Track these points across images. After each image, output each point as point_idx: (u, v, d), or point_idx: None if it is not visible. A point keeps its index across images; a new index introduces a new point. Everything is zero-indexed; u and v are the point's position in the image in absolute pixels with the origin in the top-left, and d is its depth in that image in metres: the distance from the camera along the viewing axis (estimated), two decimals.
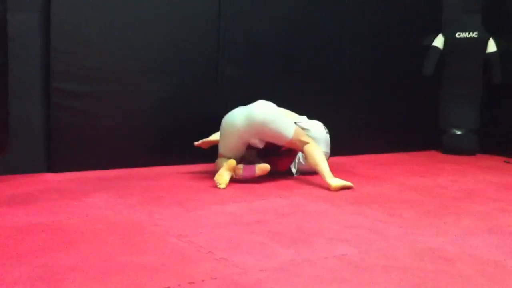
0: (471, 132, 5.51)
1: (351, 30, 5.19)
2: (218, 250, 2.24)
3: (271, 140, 3.83)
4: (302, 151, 3.85)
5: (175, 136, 4.30)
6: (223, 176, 3.61)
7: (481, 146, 5.51)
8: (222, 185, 3.57)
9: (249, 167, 3.76)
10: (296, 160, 4.07)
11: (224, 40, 4.47)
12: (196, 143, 4.07)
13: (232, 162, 3.66)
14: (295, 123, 3.98)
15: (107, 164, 4.04)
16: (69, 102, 3.88)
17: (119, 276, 1.92)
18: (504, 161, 5.01)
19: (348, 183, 3.62)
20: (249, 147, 3.94)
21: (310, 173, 3.97)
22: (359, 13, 5.21)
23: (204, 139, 4.07)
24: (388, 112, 5.50)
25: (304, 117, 4.22)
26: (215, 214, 2.86)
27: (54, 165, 3.88)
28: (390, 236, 2.54)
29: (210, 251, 2.22)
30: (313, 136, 4.03)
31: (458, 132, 5.52)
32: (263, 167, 3.77)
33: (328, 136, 4.18)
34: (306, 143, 3.81)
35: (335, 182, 3.57)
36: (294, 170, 4.06)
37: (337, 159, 4.56)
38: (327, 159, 4.11)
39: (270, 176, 3.88)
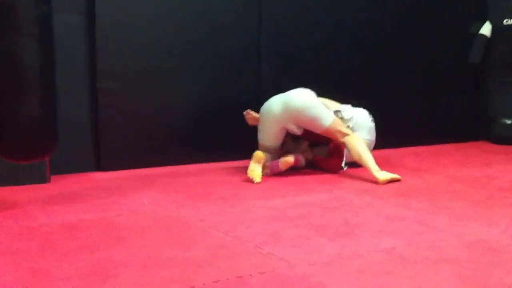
0: None
1: (393, 17, 5.11)
2: (264, 244, 2.25)
3: (308, 127, 3.81)
4: (341, 143, 3.79)
5: (216, 133, 4.33)
6: (254, 170, 3.62)
7: None
8: (257, 179, 3.58)
9: (273, 164, 3.79)
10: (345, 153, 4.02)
11: (261, 36, 4.48)
12: (246, 111, 4.04)
13: (259, 153, 3.68)
14: (337, 111, 3.97)
15: (153, 162, 4.11)
16: (115, 101, 3.96)
17: (167, 270, 1.95)
18: None
19: (395, 176, 3.55)
20: (297, 139, 3.96)
21: (355, 165, 3.93)
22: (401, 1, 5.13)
23: (253, 112, 4.02)
24: (435, 102, 5.40)
25: (348, 106, 4.18)
26: (260, 209, 2.87)
27: (102, 164, 3.97)
28: (438, 228, 2.50)
29: (256, 246, 2.23)
30: (357, 123, 4.01)
31: (508, 122, 5.37)
32: (285, 160, 3.79)
33: (373, 124, 4.13)
34: (346, 134, 3.76)
35: (382, 175, 3.52)
36: (342, 164, 4.02)
37: (383, 151, 4.51)
38: (372, 148, 4.08)
39: (313, 170, 3.87)
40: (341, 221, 2.62)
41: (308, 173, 3.81)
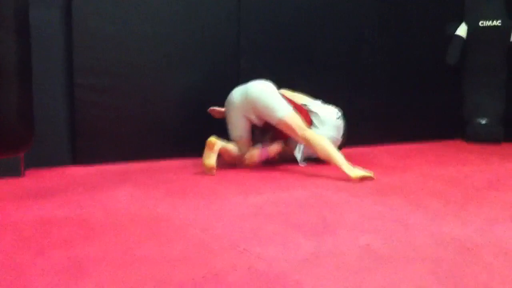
0: (495, 121, 5.45)
1: (371, 18, 5.14)
2: (241, 242, 2.24)
3: (264, 116, 3.84)
4: (298, 137, 3.77)
5: (195, 128, 4.32)
6: (208, 160, 3.63)
7: (506, 135, 5.44)
8: (211, 171, 3.62)
9: (263, 151, 3.85)
10: (301, 148, 4.03)
11: (243, 30, 4.48)
12: (210, 108, 4.14)
13: (211, 140, 3.69)
14: (303, 105, 3.99)
15: (130, 157, 4.09)
16: (92, 96, 3.93)
17: (143, 267, 1.93)
18: None
19: (368, 173, 3.54)
20: (260, 131, 4.00)
21: (316, 160, 3.95)
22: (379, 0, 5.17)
23: (217, 107, 4.13)
24: (411, 101, 5.46)
25: (318, 101, 4.20)
26: (237, 205, 2.87)
27: (78, 158, 3.93)
28: (413, 226, 2.52)
29: (233, 243, 2.23)
30: (321, 119, 4.02)
31: (483, 122, 5.45)
32: (275, 147, 3.88)
33: (339, 122, 4.13)
34: (303, 129, 3.73)
35: (354, 172, 3.51)
36: (298, 156, 4.02)
37: (359, 149, 4.54)
38: (338, 146, 4.08)
39: (292, 167, 3.88)
40: (318, 218, 2.62)
41: (286, 170, 3.82)
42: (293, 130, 3.76)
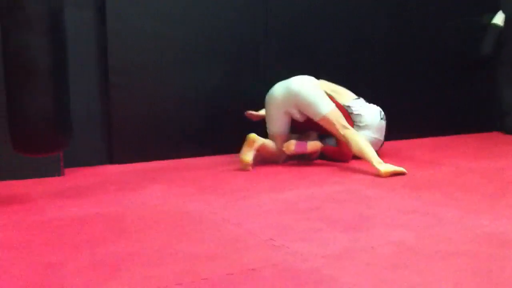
0: None
1: (406, 7, 5.09)
2: (276, 237, 2.26)
3: (306, 112, 3.83)
4: (339, 135, 3.76)
5: (224, 126, 4.36)
6: (245, 156, 3.68)
7: None
8: (247, 167, 3.67)
9: (300, 143, 3.81)
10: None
11: (267, 30, 4.48)
12: (247, 112, 4.17)
13: (250, 136, 3.73)
14: (347, 106, 3.98)
15: (163, 155, 4.15)
16: (126, 95, 4.00)
17: (178, 263, 1.96)
18: None
19: (399, 169, 3.51)
20: (307, 131, 4.02)
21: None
22: None
23: (254, 111, 4.17)
24: (447, 93, 5.40)
25: (360, 100, 4.18)
26: (271, 201, 2.88)
27: (114, 157, 4.00)
28: (448, 221, 2.50)
29: (269, 238, 2.24)
30: (365, 121, 4.01)
31: None
32: (314, 144, 3.84)
33: (383, 122, 4.11)
34: (345, 127, 3.73)
35: (384, 167, 3.49)
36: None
37: (393, 143, 4.51)
38: (380, 147, 4.07)
39: (325, 163, 3.88)
40: (352, 213, 2.62)
41: (320, 165, 3.82)
42: (335, 127, 3.76)
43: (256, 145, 3.75)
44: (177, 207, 2.79)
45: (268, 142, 3.91)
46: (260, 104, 4.16)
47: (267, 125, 4.01)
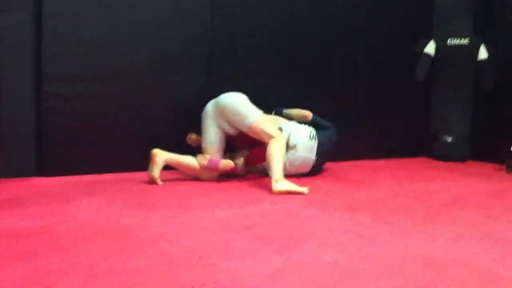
0: (462, 139, 5.54)
1: (342, 34, 5.20)
2: (209, 255, 2.23)
3: (235, 124, 3.90)
4: (266, 143, 3.82)
5: (164, 140, 4.28)
6: (150, 171, 3.74)
7: (472, 153, 5.54)
8: (155, 181, 3.71)
9: (214, 160, 3.86)
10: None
11: (219, 39, 4.48)
12: (187, 137, 4.23)
13: (154, 151, 3.78)
14: (279, 128, 4.03)
15: (97, 169, 4.04)
16: (59, 105, 3.88)
17: (109, 280, 1.91)
18: (495, 169, 5.00)
19: (296, 189, 3.54)
20: (238, 152, 4.05)
21: (295, 175, 3.99)
22: (351, 17, 5.23)
23: (194, 135, 4.21)
24: (379, 117, 5.52)
25: (293, 122, 4.26)
26: (206, 219, 2.85)
27: (44, 169, 3.87)
28: (380, 242, 2.54)
29: (201, 257, 2.21)
30: (293, 141, 4.08)
31: (449, 139, 5.54)
32: (226, 162, 3.89)
33: (312, 142, 4.18)
34: (272, 136, 3.79)
35: (277, 186, 3.53)
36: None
37: (328, 164, 4.56)
38: (315, 165, 4.13)
39: (262, 181, 3.88)
40: (286, 233, 2.63)
41: (256, 185, 3.82)
42: (260, 136, 3.83)
43: (159, 159, 3.76)
44: (111, 222, 2.72)
45: (181, 158, 3.90)
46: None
47: (202, 140, 4.06)
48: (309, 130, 4.24)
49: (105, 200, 3.19)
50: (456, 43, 5.49)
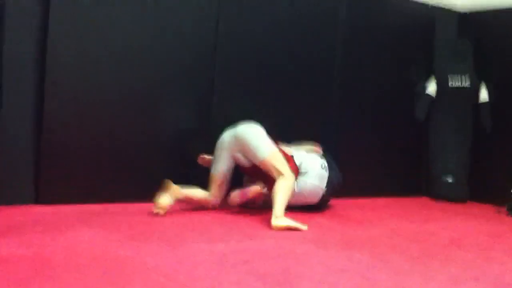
0: (461, 180, 5.52)
1: (342, 68, 5.22)
2: None
3: (249, 156, 3.97)
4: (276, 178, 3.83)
5: (163, 171, 4.26)
6: (160, 199, 3.72)
7: (471, 194, 5.52)
8: (160, 211, 3.69)
9: (242, 191, 3.92)
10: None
11: (215, 67, 4.50)
12: (199, 156, 4.24)
13: (168, 182, 3.78)
14: (291, 156, 4.05)
15: (95, 198, 4.00)
16: (58, 133, 3.86)
17: None
18: (496, 212, 4.95)
19: (294, 225, 3.55)
20: (249, 178, 4.14)
21: (303, 209, 3.99)
22: (352, 50, 5.26)
23: (206, 155, 4.23)
24: (379, 156, 5.51)
25: (303, 151, 4.28)
26: (202, 252, 2.83)
27: (41, 197, 3.85)
28: (377, 281, 2.52)
29: None
30: (305, 168, 4.11)
31: (449, 180, 5.53)
32: (254, 189, 3.93)
33: (324, 172, 4.21)
34: (281, 174, 3.82)
35: (276, 222, 3.54)
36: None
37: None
38: (324, 198, 4.13)
39: (261, 216, 3.87)
40: (282, 269, 2.61)
41: (255, 219, 3.80)
42: (271, 172, 3.86)
43: (173, 191, 3.78)
44: (106, 253, 2.70)
45: (192, 191, 3.95)
46: (206, 150, 4.23)
47: (212, 166, 4.10)
48: (321, 161, 4.28)
49: (100, 230, 3.17)
50: (458, 86, 5.53)
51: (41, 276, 2.25)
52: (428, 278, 2.60)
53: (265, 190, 4.01)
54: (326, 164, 4.28)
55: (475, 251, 3.28)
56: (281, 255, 2.88)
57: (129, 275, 2.37)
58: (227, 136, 4.10)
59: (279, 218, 3.57)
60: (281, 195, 3.71)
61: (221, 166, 4.05)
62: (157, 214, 3.69)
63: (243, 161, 4.04)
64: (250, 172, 4.13)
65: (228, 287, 2.27)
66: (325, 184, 4.20)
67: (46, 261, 2.49)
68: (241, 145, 3.99)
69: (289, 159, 4.09)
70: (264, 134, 4.06)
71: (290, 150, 4.27)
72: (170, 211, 3.79)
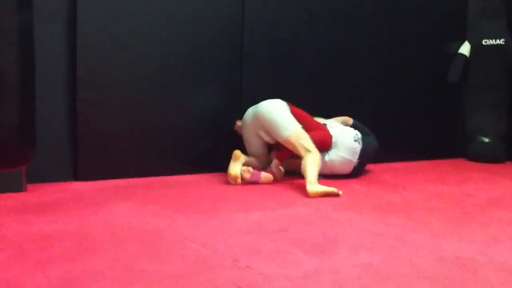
0: (498, 140, 5.43)
1: (374, 35, 5.16)
2: (242, 258, 2.24)
3: (272, 134, 3.96)
4: (301, 157, 3.81)
5: (196, 144, 4.31)
6: (232, 169, 3.83)
7: (508, 153, 5.43)
8: (236, 180, 3.81)
9: (256, 173, 3.90)
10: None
11: (243, 47, 4.49)
12: (236, 124, 4.31)
13: (236, 152, 3.88)
14: (324, 124, 4.04)
15: (132, 173, 4.07)
16: (94, 111, 3.92)
17: (142, 283, 1.93)
18: None
19: (330, 190, 3.52)
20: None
21: (333, 177, 4.01)
22: (380, 19, 5.18)
23: (238, 122, 4.31)
24: (414, 119, 5.46)
25: (337, 123, 4.26)
26: (239, 222, 2.86)
27: (80, 174, 3.93)
28: (414, 244, 2.51)
29: (234, 260, 2.22)
30: (337, 141, 4.07)
31: (486, 140, 5.44)
32: (267, 176, 3.91)
33: (356, 144, 4.16)
34: (308, 150, 3.78)
35: (312, 188, 3.52)
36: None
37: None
38: (356, 169, 4.10)
39: (295, 184, 3.87)
40: (319, 235, 2.62)
41: (289, 187, 3.81)
42: (297, 149, 3.83)
43: (242, 159, 3.89)
44: (143, 226, 2.75)
45: (251, 160, 4.08)
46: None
47: (247, 149, 4.16)
48: (354, 132, 4.23)
49: (139, 204, 3.23)
50: (492, 43, 5.40)
51: (82, 251, 2.30)
52: (466, 240, 2.58)
53: (273, 167, 4.00)
54: (360, 135, 4.24)
55: None
56: (317, 222, 2.89)
57: (166, 245, 2.41)
58: (248, 115, 4.09)
59: (312, 184, 3.56)
60: (312, 165, 3.68)
61: (253, 147, 4.11)
62: (235, 184, 3.82)
63: (267, 138, 4.04)
64: (276, 146, 4.11)
65: (266, 255, 2.29)
66: (357, 157, 4.17)
67: (86, 235, 2.54)
68: (264, 124, 3.98)
69: (322, 127, 4.06)
70: (286, 110, 4.00)
71: (320, 119, 4.25)
72: (204, 185, 3.82)
